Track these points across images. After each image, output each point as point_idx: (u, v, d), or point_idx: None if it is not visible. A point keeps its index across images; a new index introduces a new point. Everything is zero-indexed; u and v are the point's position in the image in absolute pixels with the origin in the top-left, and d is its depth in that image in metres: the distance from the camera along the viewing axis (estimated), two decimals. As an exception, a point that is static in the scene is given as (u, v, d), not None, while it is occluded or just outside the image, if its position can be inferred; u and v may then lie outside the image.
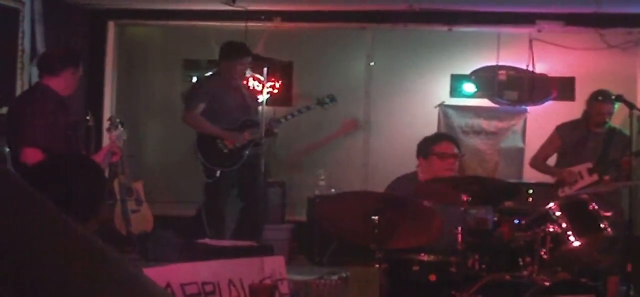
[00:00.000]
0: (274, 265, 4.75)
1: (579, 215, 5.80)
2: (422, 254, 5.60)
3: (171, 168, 11.50)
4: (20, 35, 9.55)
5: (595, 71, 10.25)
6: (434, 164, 6.57)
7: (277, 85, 10.70)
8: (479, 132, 10.59)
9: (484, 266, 5.57)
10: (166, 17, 11.20)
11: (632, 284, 7.07)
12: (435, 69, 10.93)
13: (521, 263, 5.58)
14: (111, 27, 11.38)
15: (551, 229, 5.54)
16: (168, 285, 4.11)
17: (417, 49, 11.07)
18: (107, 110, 11.07)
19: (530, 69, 10.50)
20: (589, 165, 8.38)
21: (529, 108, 10.56)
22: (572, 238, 5.64)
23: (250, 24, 10.60)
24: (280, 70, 10.75)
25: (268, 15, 10.68)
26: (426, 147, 6.72)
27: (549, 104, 10.57)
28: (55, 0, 10.10)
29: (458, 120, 10.66)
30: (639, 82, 10.19)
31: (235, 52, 9.29)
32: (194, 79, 11.11)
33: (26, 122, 6.42)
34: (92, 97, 10.75)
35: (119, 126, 7.78)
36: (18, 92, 9.33)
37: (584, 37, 10.34)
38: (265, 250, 7.40)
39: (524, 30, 10.44)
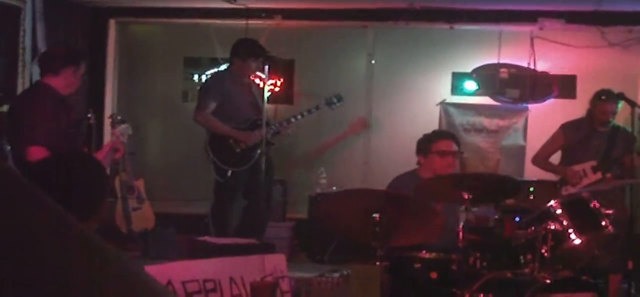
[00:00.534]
0: (275, 263, 4.76)
1: (580, 213, 5.80)
2: (424, 252, 5.60)
3: (172, 166, 11.51)
4: (21, 33, 9.56)
5: (596, 69, 10.25)
6: (434, 161, 6.58)
7: (279, 83, 10.71)
8: (480, 130, 10.59)
9: (485, 264, 5.58)
10: (167, 15, 11.20)
11: (634, 281, 7.07)
12: (436, 67, 10.92)
13: (522, 261, 5.58)
14: (112, 25, 11.38)
15: (552, 227, 5.54)
16: (169, 283, 4.12)
17: (419, 47, 11.06)
18: (108, 108, 11.07)
19: (532, 67, 10.49)
20: (593, 163, 8.38)
21: (530, 106, 10.55)
22: (573, 236, 5.64)
23: (251, 21, 10.60)
24: (282, 68, 10.75)
25: (269, 13, 10.68)
26: (426, 145, 6.73)
27: (550, 102, 10.57)
28: (56, -2, 10.11)
29: (459, 119, 10.66)
30: (640, 80, 10.19)
31: (250, 50, 9.22)
32: (203, 77, 11.13)
33: (29, 121, 6.42)
34: (94, 95, 10.75)
35: (122, 122, 7.74)
36: (19, 90, 9.33)
37: (585, 35, 10.33)
38: (266, 248, 7.39)
39: (525, 28, 10.43)
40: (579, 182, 8.35)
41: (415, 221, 5.52)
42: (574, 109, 9.46)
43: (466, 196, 5.51)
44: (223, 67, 10.14)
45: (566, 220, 5.64)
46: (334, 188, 10.15)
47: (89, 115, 8.38)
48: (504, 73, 10.60)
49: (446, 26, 10.57)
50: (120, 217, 8.96)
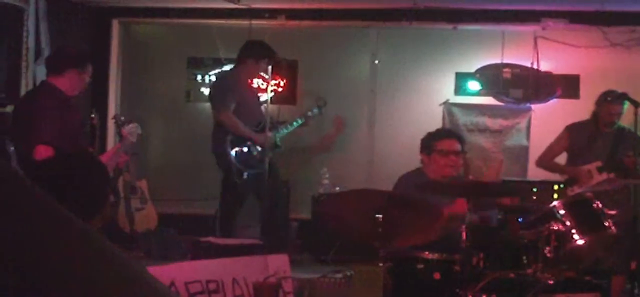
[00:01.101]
0: (278, 263, 4.76)
1: (583, 213, 5.80)
2: (427, 253, 5.60)
3: (175, 166, 11.51)
4: (24, 34, 9.57)
5: (599, 69, 10.24)
6: (437, 161, 6.57)
7: (282, 83, 10.71)
8: (483, 130, 10.59)
9: (488, 264, 5.57)
10: (170, 15, 11.21)
11: (637, 282, 7.06)
12: (439, 67, 10.92)
13: (525, 261, 5.57)
14: (115, 25, 11.39)
15: (555, 228, 5.54)
16: (172, 283, 4.12)
17: (422, 47, 11.06)
18: (112, 109, 11.09)
19: (535, 67, 10.49)
20: (598, 164, 8.36)
21: (533, 106, 10.54)
22: (576, 236, 5.63)
23: (254, 22, 10.62)
24: (285, 68, 10.75)
25: (272, 14, 10.69)
26: (429, 143, 6.71)
27: (553, 102, 10.56)
28: (59, -1, 10.13)
29: (463, 119, 10.66)
30: (643, 80, 10.18)
31: (264, 52, 9.27)
32: (206, 78, 11.13)
33: (36, 120, 6.42)
34: (97, 95, 10.75)
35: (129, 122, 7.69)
36: (22, 90, 9.35)
37: (588, 35, 10.32)
38: (269, 248, 7.39)
39: (528, 28, 10.43)
40: (588, 182, 8.33)
41: (418, 222, 5.51)
42: (577, 109, 9.45)
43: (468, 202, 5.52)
44: (227, 67, 10.15)
45: (569, 220, 5.64)
46: (337, 188, 10.14)
47: (93, 116, 8.38)
48: (507, 73, 10.59)
49: (449, 26, 10.57)
50: (124, 217, 8.98)
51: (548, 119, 10.00)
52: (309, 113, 9.91)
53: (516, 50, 10.57)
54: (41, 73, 7.08)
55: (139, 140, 7.59)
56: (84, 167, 3.80)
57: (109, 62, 11.31)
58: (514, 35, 10.58)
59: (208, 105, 11.12)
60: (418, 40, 11.07)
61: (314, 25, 11.11)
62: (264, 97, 9.56)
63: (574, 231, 5.63)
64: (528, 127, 10.54)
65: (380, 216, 5.22)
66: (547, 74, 10.54)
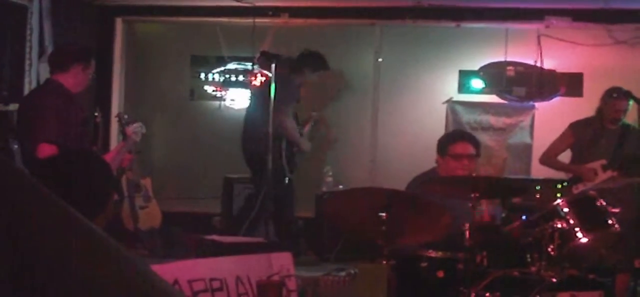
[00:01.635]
0: (282, 261, 4.75)
1: (586, 211, 5.78)
2: (430, 251, 5.60)
3: (179, 164, 11.52)
4: (28, 32, 9.57)
5: (603, 67, 10.23)
6: (450, 163, 6.57)
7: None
8: (487, 128, 10.58)
9: (491, 262, 5.56)
10: (174, 14, 11.21)
11: (641, 280, 7.06)
12: (443, 65, 10.91)
13: (529, 259, 5.56)
14: (119, 23, 11.40)
15: (559, 226, 5.53)
16: (176, 281, 4.12)
17: (425, 45, 11.06)
18: (115, 107, 11.09)
19: (539, 65, 10.48)
20: (603, 162, 8.35)
21: (537, 104, 10.54)
22: (579, 234, 5.62)
23: (258, 20, 10.62)
24: (289, 66, 10.74)
25: (276, 12, 10.70)
26: (444, 145, 6.72)
27: (557, 100, 10.55)
28: (63, -3, 10.13)
29: (466, 117, 10.65)
30: (647, 78, 10.16)
31: (321, 64, 9.83)
32: (209, 76, 11.14)
33: (40, 118, 6.42)
34: (100, 94, 10.76)
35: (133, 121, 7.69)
36: (26, 88, 9.35)
37: (592, 33, 10.31)
38: (273, 246, 7.39)
39: (532, 26, 10.43)
40: (592, 180, 8.32)
41: (422, 220, 5.51)
42: (581, 107, 9.45)
43: (473, 195, 5.51)
44: (231, 65, 10.17)
45: (573, 218, 5.63)
46: (341, 186, 10.15)
47: (96, 114, 8.38)
48: (510, 71, 10.59)
49: (453, 24, 10.57)
50: (128, 215, 8.98)
51: (552, 117, 10.00)
52: (304, 129, 9.97)
53: (520, 48, 10.56)
54: (45, 71, 7.07)
55: (142, 139, 7.60)
56: (88, 165, 3.80)
57: (113, 61, 11.32)
58: (518, 33, 10.57)
59: (211, 103, 11.18)
60: (421, 38, 11.06)
61: (317, 23, 11.10)
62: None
63: (577, 229, 5.62)
64: (531, 125, 10.53)
65: (384, 214, 5.22)
66: (551, 72, 10.53)
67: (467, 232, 5.45)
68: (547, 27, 10.34)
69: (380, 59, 11.12)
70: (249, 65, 10.85)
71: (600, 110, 8.45)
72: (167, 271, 4.09)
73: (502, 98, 10.71)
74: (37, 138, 6.31)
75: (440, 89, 10.84)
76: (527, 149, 10.48)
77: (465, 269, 5.44)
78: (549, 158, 8.77)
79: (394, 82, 11.09)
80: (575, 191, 8.14)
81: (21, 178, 1.43)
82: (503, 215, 6.18)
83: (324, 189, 10.25)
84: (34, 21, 9.60)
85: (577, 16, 10.16)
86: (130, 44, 11.60)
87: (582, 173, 8.39)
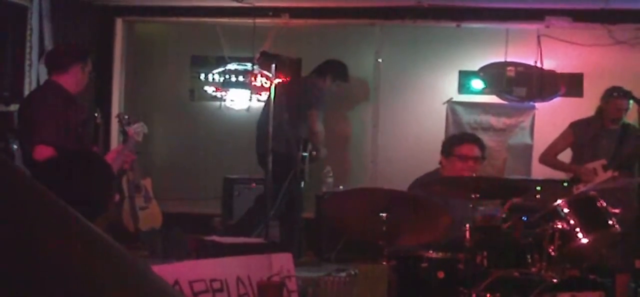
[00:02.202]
0: (282, 262, 4.75)
1: (587, 212, 5.79)
2: (431, 251, 5.59)
3: (180, 165, 11.51)
4: (28, 32, 9.57)
5: (603, 67, 10.22)
6: (455, 164, 6.56)
7: (283, 82, 10.69)
8: (487, 128, 10.57)
9: (492, 263, 5.56)
10: (174, 14, 11.21)
11: (641, 280, 7.05)
12: (443, 66, 10.91)
13: (529, 260, 5.56)
14: (119, 24, 11.39)
15: (559, 226, 5.53)
16: (176, 282, 4.12)
17: (426, 45, 11.06)
18: (116, 108, 11.09)
19: (539, 65, 10.48)
20: (603, 162, 8.35)
21: (537, 104, 10.53)
22: (580, 235, 5.62)
23: (258, 20, 10.61)
24: (289, 66, 10.73)
25: (276, 12, 10.69)
26: (449, 146, 6.71)
27: (557, 100, 10.55)
28: (63, -2, 10.13)
29: (466, 117, 10.65)
30: (647, 78, 10.16)
31: (343, 75, 10.10)
32: (209, 76, 11.14)
33: (38, 119, 6.41)
34: (100, 94, 10.77)
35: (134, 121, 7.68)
36: (26, 89, 9.35)
37: (592, 33, 10.31)
38: (273, 247, 7.39)
39: (532, 27, 10.42)
40: (592, 181, 8.31)
41: (423, 220, 5.51)
42: (581, 107, 9.45)
43: (473, 196, 5.51)
44: (231, 65, 10.18)
45: (573, 219, 5.63)
46: (341, 187, 10.15)
47: (96, 115, 8.38)
48: (511, 71, 10.58)
49: (453, 24, 10.57)
50: (128, 216, 8.98)
51: (552, 118, 9.99)
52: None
53: (520, 48, 10.56)
54: (45, 71, 7.06)
55: (143, 140, 7.59)
56: (89, 166, 3.80)
57: (113, 61, 11.31)
58: (518, 34, 10.57)
59: (212, 103, 11.17)
60: (422, 39, 11.06)
61: (317, 24, 11.10)
62: (265, 96, 9.63)
63: (578, 229, 5.62)
64: (532, 126, 10.53)
65: (384, 214, 5.22)
66: (551, 73, 10.53)
67: (468, 233, 5.45)
68: (547, 27, 10.34)
69: (380, 60, 11.11)
70: (249, 66, 10.84)
71: (600, 110, 8.45)
72: (168, 271, 4.09)
73: (502, 98, 10.71)
74: (35, 140, 6.31)
75: (441, 89, 10.84)
76: (528, 149, 10.48)
77: (465, 270, 5.44)
78: (548, 157, 8.77)
79: (394, 83, 11.09)
80: (575, 191, 8.13)
81: (21, 179, 1.43)
82: (503, 215, 6.18)
83: (325, 189, 10.24)
84: (34, 21, 9.60)
85: (578, 16, 10.15)
86: (130, 44, 11.59)
87: (581, 173, 8.39)
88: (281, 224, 9.44)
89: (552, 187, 8.04)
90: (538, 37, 10.44)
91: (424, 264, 5.57)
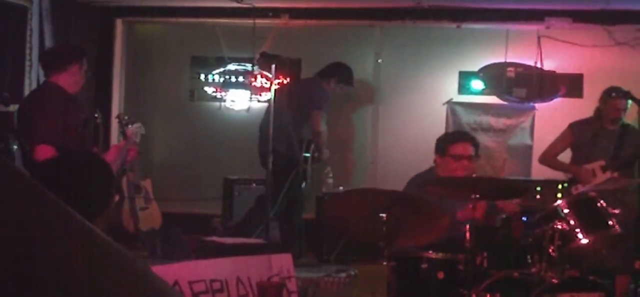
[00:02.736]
0: (282, 262, 4.75)
1: (587, 212, 5.79)
2: (431, 252, 5.60)
3: (180, 165, 11.51)
4: (28, 33, 9.57)
5: (603, 68, 10.22)
6: (449, 163, 6.53)
7: (286, 82, 10.70)
8: (487, 129, 10.58)
9: (492, 264, 5.56)
10: (174, 15, 11.21)
11: (641, 281, 7.05)
12: (443, 66, 10.91)
13: (529, 260, 5.57)
14: (119, 24, 11.40)
15: (559, 227, 5.53)
16: (176, 283, 4.12)
17: (426, 46, 11.05)
18: (115, 108, 11.09)
19: (539, 66, 10.48)
20: (602, 163, 8.34)
21: (537, 105, 10.53)
22: (580, 235, 5.63)
23: (258, 21, 10.61)
24: (289, 67, 10.74)
25: (276, 12, 10.70)
26: (443, 145, 6.68)
27: (557, 101, 10.55)
28: (63, -2, 10.13)
29: (466, 118, 10.65)
30: (647, 79, 10.16)
31: (348, 79, 10.11)
32: (209, 77, 11.14)
33: (37, 120, 6.41)
34: (100, 94, 10.77)
35: (133, 122, 7.67)
36: (26, 89, 9.35)
37: (592, 34, 10.31)
38: (273, 247, 7.40)
39: (532, 27, 10.42)
40: (591, 181, 8.31)
41: (423, 221, 5.51)
42: (581, 108, 9.44)
43: (473, 196, 5.51)
44: (231, 66, 10.18)
45: (573, 220, 5.63)
46: (341, 188, 10.15)
47: (96, 115, 8.37)
48: (511, 72, 10.59)
49: (453, 25, 10.57)
50: (128, 217, 8.97)
51: (552, 118, 9.99)
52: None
53: (520, 49, 10.56)
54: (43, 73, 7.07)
55: (142, 140, 7.59)
56: (89, 167, 3.80)
57: (113, 62, 11.31)
58: (518, 34, 10.57)
59: (212, 104, 11.18)
60: (421, 39, 11.06)
61: (317, 24, 11.10)
62: (267, 96, 9.61)
63: (578, 230, 5.63)
64: (532, 127, 10.53)
65: (384, 215, 5.22)
66: (551, 73, 10.53)
67: (468, 234, 5.45)
68: (547, 28, 10.34)
69: (380, 60, 11.12)
70: (249, 66, 10.85)
71: (599, 111, 8.45)
72: (168, 272, 4.09)
73: (502, 99, 10.71)
74: (35, 140, 6.31)
75: (440, 90, 10.83)
76: (527, 150, 10.47)
77: (465, 270, 5.45)
78: (548, 158, 8.77)
79: (394, 83, 11.09)
80: (574, 192, 8.13)
81: (21, 180, 1.43)
82: (503, 216, 6.18)
83: (325, 190, 10.24)
84: (34, 22, 9.60)
85: (578, 17, 10.15)
86: (130, 44, 11.59)
87: (580, 174, 8.39)
88: (281, 224, 9.44)
89: (551, 188, 8.03)
90: (538, 37, 10.44)
91: (424, 265, 5.57)
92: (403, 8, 10.43)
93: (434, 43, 11.00)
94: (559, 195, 7.31)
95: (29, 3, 9.55)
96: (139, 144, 7.46)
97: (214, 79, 11.16)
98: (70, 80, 6.62)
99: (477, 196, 5.51)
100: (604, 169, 8.32)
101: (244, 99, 11.04)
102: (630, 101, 8.16)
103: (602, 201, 5.88)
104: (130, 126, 7.28)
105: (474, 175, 6.41)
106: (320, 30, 11.25)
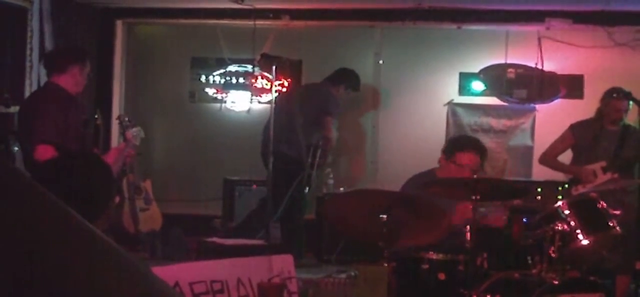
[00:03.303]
0: (283, 263, 4.75)
1: (587, 213, 5.79)
2: (431, 253, 5.59)
3: (180, 167, 11.51)
4: (28, 34, 9.57)
5: (603, 69, 10.23)
6: (452, 169, 6.45)
7: (286, 83, 10.70)
8: (487, 130, 10.58)
9: (492, 265, 5.56)
10: (174, 16, 11.21)
11: (641, 282, 7.06)
12: (443, 67, 10.91)
13: (530, 261, 5.57)
14: (119, 25, 11.40)
15: (560, 228, 5.53)
16: (177, 284, 4.12)
17: (426, 47, 11.06)
18: (116, 109, 11.09)
19: (539, 67, 10.48)
20: (603, 164, 8.33)
21: (537, 106, 10.54)
22: (580, 236, 5.63)
23: (258, 22, 10.62)
24: (289, 68, 10.73)
25: (276, 14, 10.70)
26: (452, 149, 6.57)
27: (557, 102, 10.56)
28: (63, -1, 10.13)
29: (467, 119, 10.65)
30: (647, 80, 10.15)
31: (356, 84, 10.25)
32: (210, 78, 11.13)
33: (38, 120, 6.42)
34: (101, 96, 10.77)
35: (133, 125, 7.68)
36: (27, 90, 9.35)
37: (592, 35, 10.31)
38: (274, 248, 7.39)
39: (532, 28, 10.43)
40: (591, 182, 8.30)
41: (423, 222, 5.51)
42: (581, 109, 9.43)
43: (474, 197, 5.50)
44: (232, 67, 10.18)
45: (574, 220, 5.63)
46: (342, 188, 10.15)
47: (96, 116, 8.38)
48: (511, 73, 10.59)
49: (453, 26, 10.57)
50: (128, 218, 8.98)
51: (552, 119, 9.99)
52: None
53: (520, 50, 10.56)
54: (45, 73, 7.07)
55: (142, 142, 7.60)
56: (89, 167, 3.80)
57: (113, 63, 11.31)
58: (518, 36, 10.58)
59: (212, 105, 11.18)
60: (422, 40, 11.06)
61: (317, 25, 11.11)
62: (268, 97, 9.61)
63: (578, 231, 5.62)
64: (532, 128, 10.53)
65: (385, 216, 5.21)
66: (551, 74, 10.53)
67: (468, 234, 5.45)
68: (547, 29, 10.34)
69: (380, 61, 11.12)
70: (249, 68, 10.85)
71: (600, 111, 8.43)
72: (168, 273, 4.09)
73: (502, 100, 10.71)
74: (35, 140, 6.32)
75: (441, 91, 10.84)
76: (528, 151, 10.48)
77: (466, 271, 5.45)
78: (548, 158, 8.75)
79: (395, 84, 11.09)
80: (574, 193, 8.12)
81: (21, 180, 1.43)
82: (504, 217, 6.18)
83: (325, 191, 10.24)
84: (34, 23, 9.60)
85: (578, 18, 10.15)
86: (130, 46, 11.60)
87: (581, 174, 8.38)
88: (282, 225, 9.44)
89: (552, 189, 8.03)
90: (538, 38, 10.44)
91: (425, 266, 5.57)
92: (403, 9, 10.43)
93: (435, 44, 11.00)
94: (560, 196, 7.30)
95: (29, 4, 9.55)
96: (139, 147, 7.46)
97: (214, 80, 11.16)
98: (71, 81, 6.62)
99: (478, 197, 5.50)
100: (604, 170, 8.31)
101: (244, 100, 11.05)
102: (631, 102, 8.16)
103: (602, 202, 5.88)
104: (129, 130, 7.29)
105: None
106: (321, 31, 11.26)
